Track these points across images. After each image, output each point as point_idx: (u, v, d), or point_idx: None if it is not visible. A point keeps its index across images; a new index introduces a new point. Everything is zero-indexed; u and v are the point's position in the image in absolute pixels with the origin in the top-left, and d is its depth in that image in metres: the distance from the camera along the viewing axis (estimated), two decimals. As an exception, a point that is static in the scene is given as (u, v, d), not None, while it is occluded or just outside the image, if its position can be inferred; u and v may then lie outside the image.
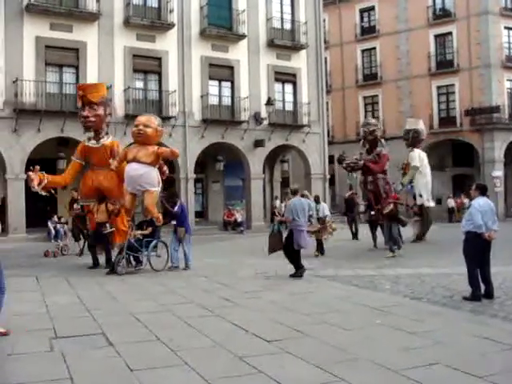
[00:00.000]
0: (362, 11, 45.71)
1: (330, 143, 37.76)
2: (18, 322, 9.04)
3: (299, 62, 33.71)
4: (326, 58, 39.71)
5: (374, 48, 44.81)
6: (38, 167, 15.86)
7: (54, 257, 19.15)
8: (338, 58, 46.11)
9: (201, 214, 33.92)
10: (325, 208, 18.99)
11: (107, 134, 17.23)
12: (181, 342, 7.55)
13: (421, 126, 24.88)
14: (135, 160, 14.83)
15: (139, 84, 29.27)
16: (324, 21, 40.64)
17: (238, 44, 31.43)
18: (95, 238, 16.73)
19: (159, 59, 29.41)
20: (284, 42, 32.93)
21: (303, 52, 33.79)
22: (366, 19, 45.73)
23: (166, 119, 28.79)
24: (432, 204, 23.60)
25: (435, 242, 21.89)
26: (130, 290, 12.27)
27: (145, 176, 14.74)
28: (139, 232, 15.76)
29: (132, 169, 14.83)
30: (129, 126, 27.39)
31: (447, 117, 41.80)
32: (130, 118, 27.63)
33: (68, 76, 27.38)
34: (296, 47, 33.38)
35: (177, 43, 29.72)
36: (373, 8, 44.99)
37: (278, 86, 33.19)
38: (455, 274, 12.84)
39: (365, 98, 45.43)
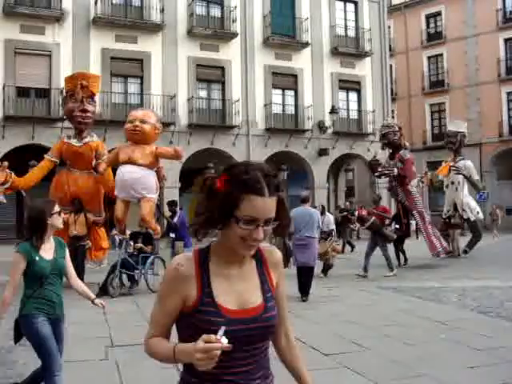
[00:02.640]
0: (428, 17, 44.86)
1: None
2: (76, 330, 9.04)
3: (364, 70, 33.31)
4: (391, 66, 39.15)
5: (441, 54, 43.89)
6: (6, 163, 13.87)
7: None
8: (403, 65, 45.38)
9: (264, 224, 33.75)
10: (330, 221, 16.37)
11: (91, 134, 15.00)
12: (236, 354, 7.34)
13: (466, 128, 22.63)
14: (130, 162, 12.79)
15: (203, 93, 29.43)
16: (389, 27, 40.06)
17: (302, 52, 31.24)
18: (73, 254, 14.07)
19: (222, 68, 29.50)
20: (348, 50, 32.60)
21: (368, 59, 33.36)
22: (432, 25, 44.85)
23: (229, 128, 28.91)
24: (481, 216, 21.58)
25: (503, 254, 21.06)
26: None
27: (142, 180, 12.77)
28: (139, 245, 13.24)
29: (127, 172, 12.76)
30: (192, 136, 27.69)
31: (518, 124, 40.58)
32: (193, 127, 27.89)
33: (133, 86, 27.75)
34: (360, 54, 33.00)
35: (240, 52, 29.76)
36: (439, 13, 44.10)
37: (342, 94, 32.84)
38: (527, 287, 12.25)
39: (431, 105, 44.53)
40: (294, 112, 31.29)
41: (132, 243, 13.39)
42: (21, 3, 25.52)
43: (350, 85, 33.19)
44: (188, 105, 28.28)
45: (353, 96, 33.37)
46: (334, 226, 16.35)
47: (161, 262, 13.52)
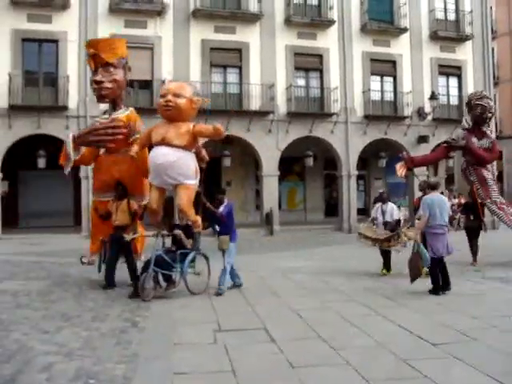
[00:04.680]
0: (534, -5, 42.93)
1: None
2: (185, 314, 9.40)
3: (464, 54, 32.37)
4: (493, 49, 37.83)
5: (548, 35, 41.97)
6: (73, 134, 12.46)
7: (88, 264, 13.29)
8: (506, 47, 43.69)
9: (363, 212, 33.46)
10: (394, 210, 14.03)
11: (126, 106, 13.23)
12: (342, 341, 7.46)
13: None
14: (164, 142, 11.16)
15: (301, 82, 29.46)
16: (491, 8, 38.68)
17: (400, 38, 30.70)
18: (114, 247, 12.18)
19: (320, 56, 29.41)
20: (448, 34, 31.70)
21: (469, 43, 32.39)
22: (539, 4, 42.86)
23: (328, 116, 28.88)
24: None
25: None
26: (292, 287, 12.33)
27: (178, 164, 11.10)
28: (179, 232, 11.42)
29: (160, 154, 11.15)
30: (291, 124, 27.88)
31: None
32: (292, 115, 28.04)
33: (231, 76, 28.16)
34: (461, 38, 32.05)
35: (337, 39, 29.56)
36: (547, -9, 42.14)
37: (441, 80, 32.10)
38: None
39: (537, 89, 42.73)
40: (392, 99, 30.86)
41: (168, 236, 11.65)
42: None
43: (451, 70, 32.35)
44: (286, 93, 28.40)
45: (453, 81, 32.55)
46: (397, 216, 14.05)
47: (203, 258, 11.79)
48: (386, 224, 13.75)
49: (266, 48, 28.22)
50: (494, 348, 7.12)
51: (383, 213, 13.93)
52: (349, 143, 29.33)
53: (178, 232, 11.40)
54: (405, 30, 30.54)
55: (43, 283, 12.44)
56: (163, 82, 26.14)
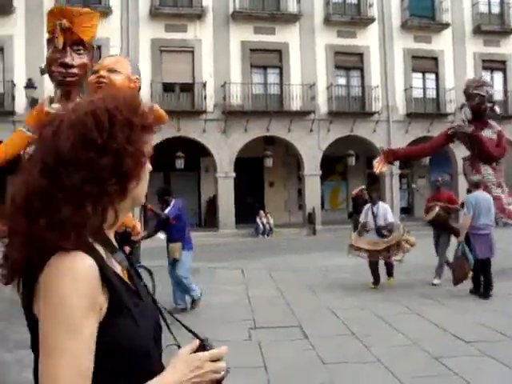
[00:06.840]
0: None
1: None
2: (222, 311, 9.52)
3: (509, 48, 31.78)
4: (540, 42, 37.05)
5: None
6: None
7: None
8: (553, 40, 42.73)
9: (406, 211, 33.19)
10: (387, 212, 12.11)
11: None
12: (376, 339, 7.46)
13: None
14: None
15: (341, 81, 29.41)
16: (537, 1, 37.90)
17: (442, 33, 30.34)
18: None
19: (361, 55, 29.33)
20: (492, 28, 31.17)
21: (514, 36, 31.85)
22: None
23: (369, 115, 28.76)
24: None
25: None
26: (331, 286, 12.32)
27: None
28: None
29: None
30: (332, 123, 27.83)
31: None
32: (333, 115, 28.00)
33: (272, 77, 28.27)
34: (506, 32, 31.47)
35: (378, 37, 29.42)
36: None
37: (486, 75, 31.51)
38: None
39: None
40: (435, 96, 30.54)
41: None
42: (165, 4, 26.78)
43: (495, 64, 31.78)
44: (327, 93, 28.39)
45: (498, 76, 31.95)
46: (392, 219, 12.21)
47: (146, 272, 9.71)
48: (378, 229, 11.91)
49: (305, 48, 28.26)
50: (529, 347, 6.99)
51: (374, 216, 12.04)
52: (391, 142, 29.06)
53: None
54: (447, 25, 30.19)
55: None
56: (204, 84, 26.46)
